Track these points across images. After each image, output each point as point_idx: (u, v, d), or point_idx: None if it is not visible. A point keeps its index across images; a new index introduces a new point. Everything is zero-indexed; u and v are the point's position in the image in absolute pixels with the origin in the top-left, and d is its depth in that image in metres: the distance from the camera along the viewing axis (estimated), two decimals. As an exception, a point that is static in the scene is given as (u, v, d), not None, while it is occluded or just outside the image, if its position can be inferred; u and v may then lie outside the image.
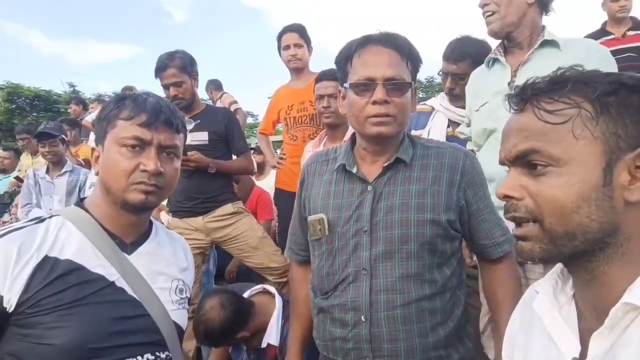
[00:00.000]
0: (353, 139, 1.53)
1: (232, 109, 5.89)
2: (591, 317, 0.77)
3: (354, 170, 1.45)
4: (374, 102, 1.35)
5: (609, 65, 1.85)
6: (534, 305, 0.85)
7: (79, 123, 5.99)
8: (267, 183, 4.58)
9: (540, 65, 1.80)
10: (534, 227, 0.75)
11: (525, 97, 0.78)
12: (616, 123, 0.72)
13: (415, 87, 1.47)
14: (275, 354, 2.21)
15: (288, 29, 3.39)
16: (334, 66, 1.54)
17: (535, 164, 0.75)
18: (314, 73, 3.23)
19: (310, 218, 1.49)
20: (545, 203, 0.73)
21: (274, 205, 3.94)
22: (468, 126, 2.23)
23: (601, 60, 1.82)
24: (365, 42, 1.40)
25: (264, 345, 2.20)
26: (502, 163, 0.82)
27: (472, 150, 2.25)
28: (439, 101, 2.71)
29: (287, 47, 3.37)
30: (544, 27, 1.94)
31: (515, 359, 0.92)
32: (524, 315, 0.92)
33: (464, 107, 2.49)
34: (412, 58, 1.42)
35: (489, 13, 1.91)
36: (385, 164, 1.42)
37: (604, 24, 4.16)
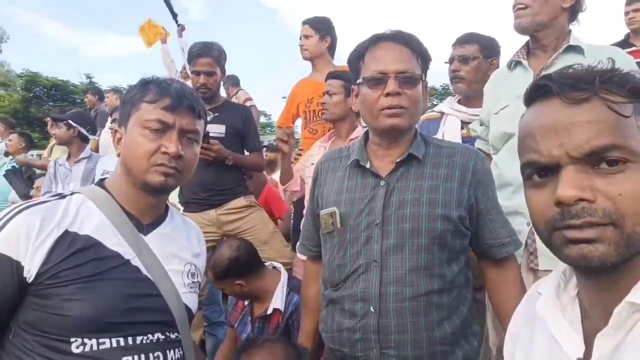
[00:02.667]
0: (366, 136, 1.56)
1: (248, 105, 5.93)
2: (598, 317, 0.75)
3: (367, 165, 1.48)
4: (387, 95, 1.39)
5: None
6: (536, 307, 0.84)
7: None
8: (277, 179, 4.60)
9: None
10: (611, 230, 0.67)
11: (591, 85, 0.70)
12: None
13: (426, 82, 1.51)
14: (278, 321, 2.29)
15: (303, 22, 3.47)
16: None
17: (613, 161, 0.68)
18: (335, 66, 3.27)
19: (322, 212, 1.52)
20: (629, 203, 0.66)
21: (290, 203, 3.96)
22: (481, 125, 2.23)
23: (626, 69, 1.81)
24: (377, 39, 1.46)
25: (269, 311, 2.29)
26: (553, 162, 0.71)
27: (481, 150, 2.27)
28: (448, 105, 2.73)
29: (300, 38, 3.46)
30: (569, 31, 1.93)
31: (517, 356, 0.92)
32: (527, 314, 0.92)
33: (468, 95, 2.56)
34: (422, 54, 1.47)
35: (521, 6, 1.89)
36: (398, 160, 1.45)
37: (627, 35, 4.13)
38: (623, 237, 0.67)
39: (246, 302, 2.46)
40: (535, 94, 0.77)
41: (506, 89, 1.99)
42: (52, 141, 5.75)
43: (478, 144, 2.27)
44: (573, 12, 1.91)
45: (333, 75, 2.81)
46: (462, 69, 2.52)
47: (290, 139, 2.84)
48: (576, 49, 1.87)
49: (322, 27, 3.44)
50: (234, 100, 5.89)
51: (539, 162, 0.73)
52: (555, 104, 0.73)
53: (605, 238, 0.67)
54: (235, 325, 2.47)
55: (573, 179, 0.68)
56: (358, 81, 1.48)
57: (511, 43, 2.18)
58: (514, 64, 2.03)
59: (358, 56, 1.49)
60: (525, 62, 1.97)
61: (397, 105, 1.39)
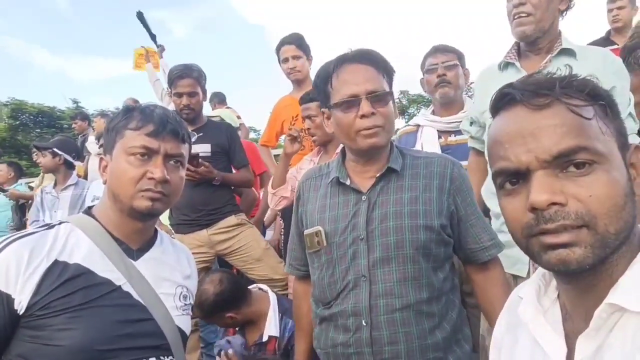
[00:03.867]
0: (343, 152, 1.58)
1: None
2: (579, 319, 0.76)
3: (347, 182, 1.49)
4: (362, 116, 1.40)
5: (623, 77, 1.87)
6: (518, 311, 0.84)
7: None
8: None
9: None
10: (585, 232, 0.68)
11: (552, 91, 0.72)
12: (617, 122, 0.75)
13: (394, 96, 1.53)
14: (274, 348, 2.26)
15: (285, 42, 3.40)
16: None
17: (580, 163, 0.69)
18: None
19: (306, 232, 1.53)
20: (599, 204, 0.67)
21: (279, 218, 3.91)
22: (471, 124, 2.24)
23: (615, 71, 1.83)
24: (341, 61, 1.47)
25: (264, 338, 2.25)
26: (523, 168, 0.72)
27: (475, 149, 2.30)
28: (422, 117, 2.78)
29: (286, 59, 3.38)
30: (559, 32, 1.94)
31: None
32: (510, 319, 0.92)
33: (445, 103, 2.62)
34: (387, 70, 1.49)
35: (524, 15, 1.88)
36: (378, 174, 1.47)
37: (608, 32, 4.16)
38: (597, 237, 0.68)
39: (237, 329, 2.43)
40: (500, 103, 0.79)
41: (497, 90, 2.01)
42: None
43: (471, 142, 2.30)
44: (563, 12, 1.93)
45: (307, 99, 2.73)
46: (447, 74, 2.58)
47: (300, 139, 2.68)
48: (568, 52, 1.89)
49: (306, 46, 3.42)
50: (234, 117, 5.87)
51: (509, 169, 0.74)
52: (519, 111, 0.74)
53: (581, 241, 0.68)
54: None
55: (544, 183, 0.69)
56: (329, 104, 1.49)
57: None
58: (505, 65, 2.03)
59: (325, 79, 1.50)
60: (517, 64, 1.98)
61: (373, 126, 1.41)
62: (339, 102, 1.44)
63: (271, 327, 2.26)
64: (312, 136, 2.73)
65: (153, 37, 5.14)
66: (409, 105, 21.16)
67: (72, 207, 3.83)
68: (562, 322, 0.79)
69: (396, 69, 1.53)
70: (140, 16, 4.97)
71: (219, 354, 2.22)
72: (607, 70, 1.77)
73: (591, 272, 0.71)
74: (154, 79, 5.33)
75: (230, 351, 2.17)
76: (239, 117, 5.90)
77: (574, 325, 0.77)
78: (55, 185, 3.99)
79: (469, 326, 1.59)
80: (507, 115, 0.77)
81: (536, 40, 1.92)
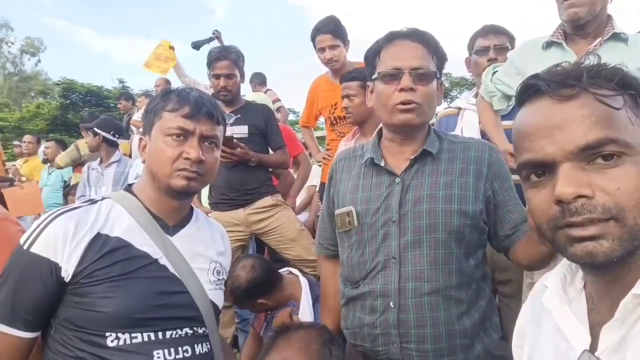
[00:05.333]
0: (380, 133, 1.58)
1: (276, 107, 5.95)
2: (605, 310, 0.75)
3: (382, 164, 1.49)
4: (401, 90, 1.41)
5: None
6: (543, 300, 0.84)
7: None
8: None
9: (608, 58, 1.77)
10: (613, 225, 0.67)
11: (579, 81, 0.71)
12: None
13: (442, 81, 1.52)
14: None
15: (321, 31, 3.31)
16: None
17: (609, 155, 0.68)
18: (354, 63, 3.20)
19: (337, 211, 1.55)
20: (628, 196, 0.66)
21: (318, 199, 3.85)
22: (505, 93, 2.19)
23: None
24: (393, 37, 1.48)
25: None
26: (548, 159, 0.71)
27: (482, 97, 2.27)
28: (464, 100, 2.71)
29: (322, 49, 3.32)
30: (609, 16, 1.89)
31: (525, 349, 0.93)
32: (534, 307, 0.92)
33: None
34: (438, 53, 1.48)
35: None
36: (413, 157, 1.46)
37: None
38: (625, 230, 0.66)
39: (268, 312, 2.45)
40: (525, 94, 0.78)
41: (540, 69, 1.96)
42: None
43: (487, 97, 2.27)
44: None
45: (349, 77, 2.73)
46: (499, 58, 2.49)
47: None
48: (620, 37, 1.84)
49: (342, 32, 3.34)
50: (270, 101, 5.92)
51: (535, 161, 0.73)
52: (545, 102, 0.73)
53: (609, 233, 0.66)
54: (261, 333, 2.48)
55: (570, 176, 0.68)
56: (373, 77, 1.50)
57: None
58: (549, 44, 1.98)
59: (374, 53, 1.51)
60: (564, 44, 1.92)
61: (411, 101, 1.41)
62: (382, 73, 1.45)
63: (306, 316, 2.26)
64: (349, 115, 2.74)
65: (210, 39, 5.12)
66: (452, 88, 20.64)
67: (115, 183, 4.00)
68: (587, 312, 0.78)
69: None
70: (195, 47, 4.98)
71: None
72: None
73: (619, 264, 0.70)
74: (183, 76, 5.45)
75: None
76: (278, 100, 5.94)
77: (599, 315, 0.76)
78: (100, 162, 4.17)
79: (500, 316, 1.58)
80: (532, 107, 0.76)
81: (586, 23, 1.87)
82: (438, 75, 1.48)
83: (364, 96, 2.65)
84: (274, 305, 2.34)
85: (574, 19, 1.86)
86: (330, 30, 3.30)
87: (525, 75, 2.02)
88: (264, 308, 2.36)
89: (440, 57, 1.49)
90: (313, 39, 3.37)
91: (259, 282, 2.26)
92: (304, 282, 2.39)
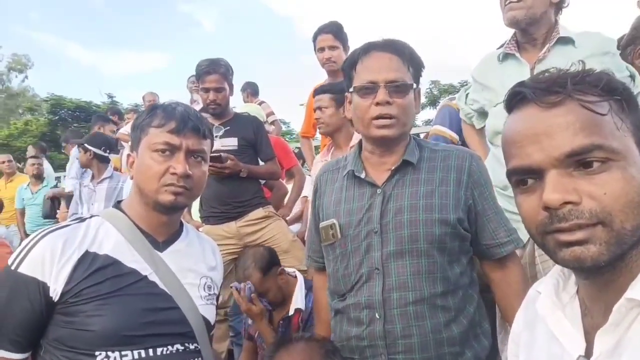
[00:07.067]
0: (360, 144, 1.58)
1: (270, 120, 5.95)
2: (598, 314, 0.75)
3: (363, 176, 1.50)
4: (377, 104, 1.41)
5: (621, 65, 1.91)
6: (536, 306, 0.84)
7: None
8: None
9: (557, 63, 1.81)
10: (600, 230, 0.67)
11: (564, 88, 0.71)
12: (635, 116, 0.73)
13: (419, 89, 1.52)
14: (298, 321, 2.34)
15: (323, 30, 3.34)
16: None
17: (593, 161, 0.68)
18: None
19: (321, 224, 1.55)
20: (614, 201, 0.67)
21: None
22: (475, 110, 2.29)
23: (614, 58, 1.86)
24: (368, 48, 1.48)
25: (291, 312, 2.37)
26: (536, 166, 0.72)
27: (464, 121, 2.39)
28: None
29: (322, 49, 3.34)
30: (556, 21, 1.95)
31: (520, 356, 0.92)
32: (528, 314, 0.92)
33: None
34: (413, 62, 1.48)
35: (514, 0, 1.91)
36: (393, 167, 1.47)
37: None
38: (613, 234, 0.67)
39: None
40: (512, 101, 0.79)
41: (501, 81, 2.01)
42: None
43: (462, 115, 2.38)
44: (558, 7, 1.95)
45: (320, 90, 2.79)
46: None
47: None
48: (566, 40, 1.90)
49: (343, 36, 3.35)
50: (262, 113, 5.91)
51: (523, 168, 0.74)
52: (532, 110, 0.74)
53: (596, 238, 0.67)
54: (256, 336, 2.51)
55: (557, 182, 0.69)
56: (350, 89, 1.51)
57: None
58: (504, 56, 2.04)
59: (350, 65, 1.52)
60: (518, 55, 1.99)
61: (387, 115, 1.41)
62: (358, 87, 1.46)
63: (297, 301, 2.38)
64: (321, 126, 2.80)
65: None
66: (440, 96, 20.82)
67: (107, 199, 3.95)
68: (581, 317, 0.79)
69: (427, 54, 1.54)
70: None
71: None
72: (606, 57, 1.79)
73: (609, 268, 0.70)
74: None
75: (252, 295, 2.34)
76: (272, 113, 5.95)
77: (593, 320, 0.76)
78: (93, 178, 4.13)
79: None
80: (519, 115, 0.77)
81: (528, 29, 1.94)
82: (415, 86, 1.48)
83: (335, 108, 2.72)
84: (278, 293, 2.45)
85: (512, 22, 1.93)
86: (333, 31, 3.34)
87: (488, 88, 2.12)
88: (281, 285, 2.46)
89: (416, 66, 1.50)
90: (314, 38, 3.40)
91: (274, 251, 2.59)
92: (300, 276, 2.51)
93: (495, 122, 2.03)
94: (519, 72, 1.94)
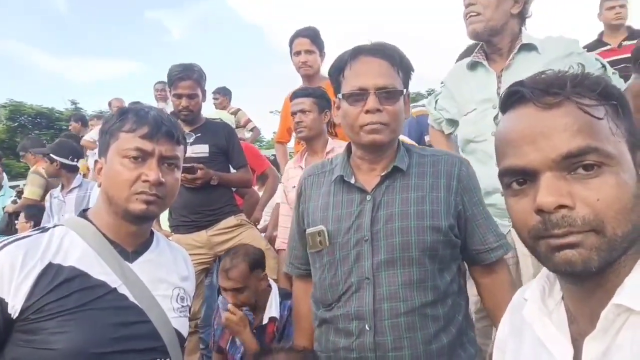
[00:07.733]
0: (349, 149, 1.55)
1: (249, 127, 5.94)
2: (584, 321, 0.75)
3: (352, 181, 1.46)
4: (367, 111, 1.38)
5: (590, 59, 1.98)
6: (523, 313, 0.83)
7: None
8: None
9: (522, 70, 1.88)
10: (593, 236, 0.67)
11: (563, 90, 0.71)
12: (629, 122, 0.73)
13: (408, 93, 1.50)
14: (273, 330, 2.29)
15: (300, 34, 3.34)
16: None
17: (589, 165, 0.68)
18: (326, 78, 3.23)
19: (309, 230, 1.51)
20: (607, 207, 0.66)
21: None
22: (445, 118, 2.33)
23: (580, 56, 1.91)
24: (356, 53, 1.44)
25: (265, 321, 2.30)
26: (531, 167, 0.71)
27: (433, 127, 2.44)
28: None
29: (298, 52, 3.33)
30: (520, 30, 2.01)
31: None
32: (514, 321, 0.91)
33: None
34: (403, 66, 1.45)
35: (473, 14, 1.96)
36: (383, 173, 1.44)
37: (600, 34, 4.17)
38: (604, 241, 0.67)
39: None
40: (509, 100, 0.78)
41: (470, 90, 2.05)
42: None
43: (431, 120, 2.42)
44: (522, 17, 2.00)
45: (301, 93, 2.75)
46: None
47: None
48: (529, 47, 1.95)
49: (320, 42, 3.36)
50: (233, 120, 5.86)
51: (517, 168, 0.73)
52: (529, 110, 0.73)
53: (587, 244, 0.67)
54: (227, 347, 2.44)
55: (552, 185, 0.68)
56: (339, 95, 1.47)
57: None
58: (473, 64, 2.09)
59: (338, 70, 1.48)
60: (486, 63, 2.04)
61: (377, 122, 1.38)
62: (347, 94, 1.42)
63: (272, 310, 2.32)
64: (302, 131, 2.73)
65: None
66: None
67: (77, 209, 3.80)
68: (567, 324, 0.78)
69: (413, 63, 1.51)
70: None
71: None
72: (572, 60, 1.82)
73: (598, 275, 0.70)
74: None
75: (229, 306, 2.27)
76: (250, 121, 5.91)
77: (579, 327, 0.76)
78: (62, 188, 3.98)
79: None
80: (516, 114, 0.76)
81: (491, 40, 2.00)
82: (404, 91, 1.46)
83: (317, 113, 2.69)
84: (262, 292, 2.39)
85: (473, 35, 2.00)
86: (310, 35, 3.34)
87: (456, 96, 2.15)
88: (260, 289, 2.38)
89: (405, 71, 1.47)
90: (291, 42, 3.39)
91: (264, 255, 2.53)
92: (273, 284, 2.49)
93: (467, 130, 2.06)
94: (487, 80, 2.00)
